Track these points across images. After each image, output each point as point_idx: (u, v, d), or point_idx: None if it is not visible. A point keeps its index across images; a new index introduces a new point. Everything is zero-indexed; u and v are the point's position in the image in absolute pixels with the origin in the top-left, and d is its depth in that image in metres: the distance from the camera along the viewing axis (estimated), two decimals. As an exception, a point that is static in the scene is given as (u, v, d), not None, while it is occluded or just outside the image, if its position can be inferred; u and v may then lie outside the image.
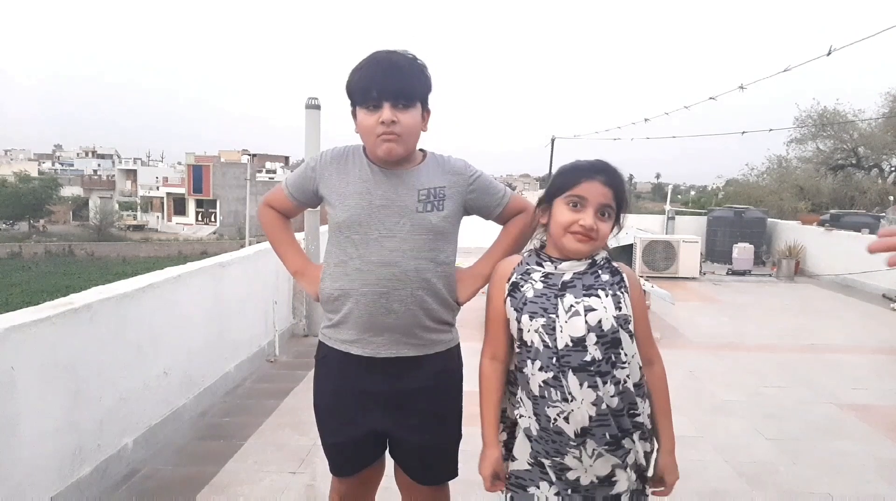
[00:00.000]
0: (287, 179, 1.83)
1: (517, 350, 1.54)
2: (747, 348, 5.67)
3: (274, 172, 51.73)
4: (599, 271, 1.50)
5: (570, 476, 1.49)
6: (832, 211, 13.06)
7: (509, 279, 1.55)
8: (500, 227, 1.86)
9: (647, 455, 1.53)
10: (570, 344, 1.43)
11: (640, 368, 1.51)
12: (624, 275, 1.51)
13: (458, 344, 1.80)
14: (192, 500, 2.77)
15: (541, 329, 1.45)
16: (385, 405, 1.69)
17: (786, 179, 21.70)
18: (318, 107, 5.30)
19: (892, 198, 12.14)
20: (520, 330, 1.50)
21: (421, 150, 1.71)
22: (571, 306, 1.44)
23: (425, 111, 1.66)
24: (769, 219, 12.13)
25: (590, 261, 1.51)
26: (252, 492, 2.85)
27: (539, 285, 1.49)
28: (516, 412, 1.58)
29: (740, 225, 11.16)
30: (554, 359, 1.44)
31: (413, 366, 1.68)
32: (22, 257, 36.49)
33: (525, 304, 1.48)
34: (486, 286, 1.70)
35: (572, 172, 1.51)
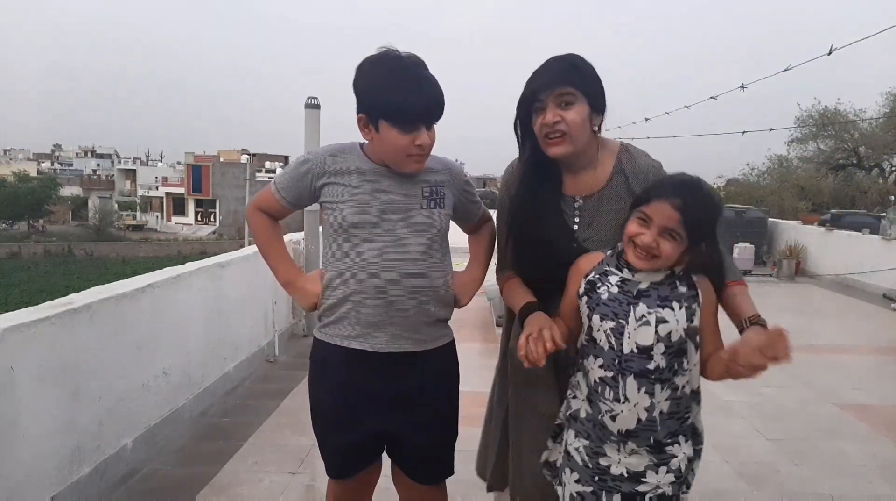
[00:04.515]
0: (277, 180, 1.76)
1: (584, 342, 1.56)
2: (747, 348, 5.65)
3: (273, 171, 51.63)
4: (677, 283, 1.48)
5: (602, 462, 1.52)
6: (833, 211, 13.06)
7: (587, 276, 1.55)
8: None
9: (691, 461, 1.53)
10: (636, 351, 1.45)
11: (699, 375, 1.54)
12: (700, 289, 1.49)
13: (454, 341, 1.81)
14: None
15: (609, 331, 1.48)
16: (387, 406, 1.69)
17: (786, 179, 21.69)
18: (317, 106, 5.31)
19: (892, 198, 12.13)
20: (590, 327, 1.53)
21: None
22: (643, 315, 1.45)
23: None
24: (770, 219, 12.14)
25: (668, 272, 1.48)
26: (251, 493, 2.84)
27: (615, 290, 1.50)
28: (570, 395, 1.61)
29: (741, 225, 11.14)
30: (617, 361, 1.47)
31: (413, 362, 1.68)
32: (21, 257, 36.44)
33: (598, 305, 1.50)
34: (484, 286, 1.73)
35: (652, 189, 1.49)
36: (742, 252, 10.28)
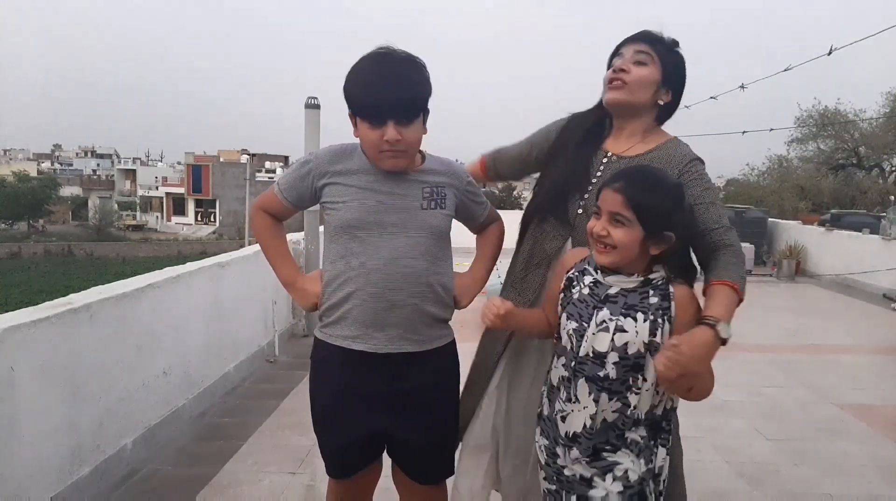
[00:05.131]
0: (279, 181, 1.76)
1: (555, 340, 1.57)
2: (747, 348, 5.65)
3: (273, 171, 51.65)
4: (650, 292, 1.44)
5: (559, 462, 1.52)
6: (833, 211, 13.05)
7: (569, 272, 1.55)
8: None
9: (644, 475, 1.45)
10: (591, 355, 1.44)
11: (660, 403, 1.47)
12: (673, 303, 1.43)
13: (454, 341, 1.81)
14: (192, 501, 2.77)
15: (572, 333, 1.48)
16: (386, 405, 1.69)
17: (786, 179, 21.67)
18: (317, 106, 5.31)
19: (892, 198, 12.13)
20: (559, 326, 1.53)
21: (419, 151, 1.69)
22: (603, 321, 1.43)
23: (425, 114, 1.62)
24: (770, 219, 12.14)
25: (643, 279, 1.45)
26: (251, 493, 2.84)
27: (585, 291, 1.49)
28: (542, 392, 1.61)
29: (741, 225, 11.12)
30: (573, 363, 1.47)
31: (413, 362, 1.68)
32: (21, 257, 36.44)
33: (568, 304, 1.51)
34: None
35: (602, 186, 1.49)
36: (742, 252, 10.28)
